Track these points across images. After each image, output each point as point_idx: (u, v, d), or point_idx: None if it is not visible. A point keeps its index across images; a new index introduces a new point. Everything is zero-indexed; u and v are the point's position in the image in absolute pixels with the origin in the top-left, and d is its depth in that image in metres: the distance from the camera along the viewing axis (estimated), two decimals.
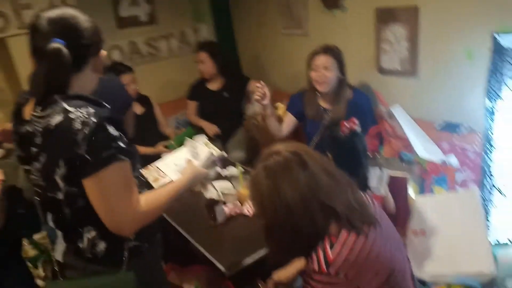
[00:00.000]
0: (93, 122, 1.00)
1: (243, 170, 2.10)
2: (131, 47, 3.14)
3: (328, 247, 1.02)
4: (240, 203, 1.95)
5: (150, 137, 2.67)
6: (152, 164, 1.65)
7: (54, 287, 1.25)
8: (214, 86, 2.93)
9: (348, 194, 1.08)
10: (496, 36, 1.43)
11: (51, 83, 1.04)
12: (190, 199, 2.07)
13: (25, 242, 2.22)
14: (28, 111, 1.10)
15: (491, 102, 1.51)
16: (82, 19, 1.08)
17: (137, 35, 3.16)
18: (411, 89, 2.26)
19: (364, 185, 1.60)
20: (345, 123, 1.56)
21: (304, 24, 2.77)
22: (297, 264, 1.41)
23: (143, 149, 2.52)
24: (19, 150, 1.14)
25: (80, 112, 1.01)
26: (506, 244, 1.71)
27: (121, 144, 1.05)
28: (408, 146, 1.97)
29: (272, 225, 1.09)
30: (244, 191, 1.95)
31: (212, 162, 1.52)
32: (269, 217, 1.09)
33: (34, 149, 1.07)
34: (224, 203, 1.93)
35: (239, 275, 1.53)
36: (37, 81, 1.06)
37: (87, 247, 1.13)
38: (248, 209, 1.90)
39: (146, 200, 1.12)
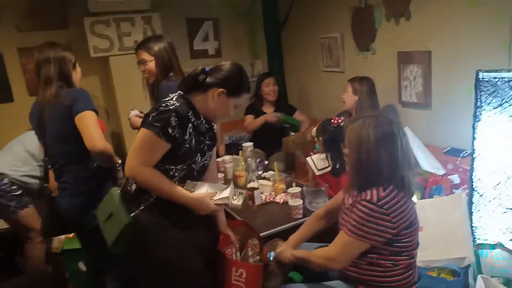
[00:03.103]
0: (171, 107, 1.51)
1: (279, 173, 2.61)
2: None
3: (381, 189, 1.48)
4: (275, 193, 2.45)
5: None
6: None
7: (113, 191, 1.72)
8: (267, 109, 3.52)
9: (405, 169, 1.52)
10: (479, 73, 1.89)
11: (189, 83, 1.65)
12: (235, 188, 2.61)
13: None
14: None
15: (475, 123, 1.94)
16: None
17: (205, 65, 3.81)
18: (425, 119, 2.70)
19: (341, 169, 2.14)
20: (335, 118, 2.21)
21: (341, 63, 3.34)
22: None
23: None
24: None
25: (174, 101, 1.55)
26: (491, 245, 2.06)
27: (169, 130, 1.48)
28: (414, 161, 2.40)
29: (358, 159, 1.51)
30: (279, 185, 2.46)
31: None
32: (358, 153, 1.50)
33: None
34: (262, 192, 2.44)
35: (265, 238, 2.01)
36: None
37: (126, 182, 1.62)
38: (280, 198, 2.39)
39: (151, 170, 1.51)
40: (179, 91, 1.63)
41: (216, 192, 1.62)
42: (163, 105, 1.54)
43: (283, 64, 4.19)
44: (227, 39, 4.00)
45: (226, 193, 1.62)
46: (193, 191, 1.61)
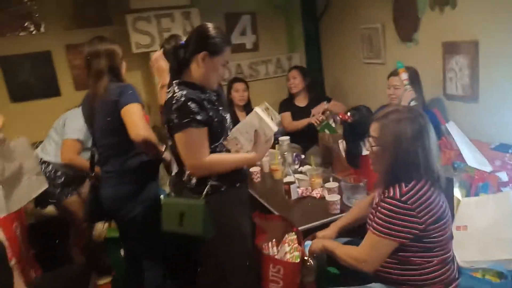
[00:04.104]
0: (182, 100, 1.56)
1: (315, 168, 2.59)
2: (237, 68, 3.88)
3: (403, 184, 1.46)
4: (311, 188, 2.43)
5: None
6: (230, 133, 1.79)
7: (166, 201, 1.84)
8: (301, 102, 3.50)
9: (435, 161, 1.51)
10: None
11: (173, 73, 1.67)
12: (272, 182, 2.62)
13: None
14: None
15: None
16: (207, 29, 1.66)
17: (243, 58, 3.91)
18: (472, 112, 2.58)
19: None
20: (341, 115, 2.34)
21: (382, 55, 3.24)
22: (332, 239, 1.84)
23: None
24: None
25: (179, 93, 1.59)
26: None
27: (197, 117, 1.56)
28: (460, 156, 2.30)
29: (396, 156, 1.49)
30: (315, 180, 2.44)
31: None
32: (396, 150, 1.48)
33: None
34: (298, 186, 2.43)
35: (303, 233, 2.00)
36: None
37: (186, 180, 1.71)
38: (317, 192, 2.37)
39: (211, 158, 1.62)
40: (173, 81, 1.66)
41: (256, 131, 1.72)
42: (173, 102, 1.57)
43: (321, 56, 4.12)
44: (265, 32, 3.99)
45: (264, 123, 1.71)
46: (240, 147, 1.72)
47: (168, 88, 1.70)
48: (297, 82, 3.45)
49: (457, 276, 1.64)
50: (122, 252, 2.73)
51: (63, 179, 2.61)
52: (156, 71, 2.20)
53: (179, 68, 1.68)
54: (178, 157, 1.70)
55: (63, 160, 2.45)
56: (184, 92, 1.58)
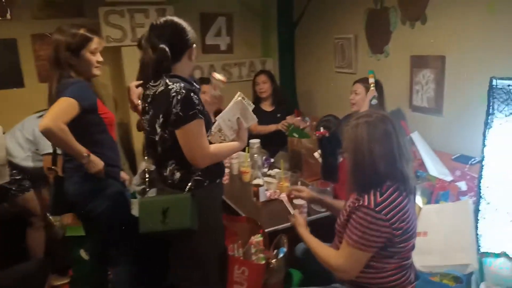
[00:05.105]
0: (184, 92, 1.55)
1: (284, 171, 2.60)
2: (210, 69, 3.86)
3: (378, 192, 1.46)
4: (279, 191, 2.44)
5: None
6: (214, 125, 1.81)
7: (144, 200, 1.79)
8: (267, 107, 3.51)
9: (404, 165, 1.50)
10: (493, 80, 1.87)
11: (160, 67, 1.61)
12: (240, 184, 2.62)
13: None
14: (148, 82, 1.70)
15: (486, 130, 1.92)
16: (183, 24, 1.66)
17: (216, 60, 3.89)
18: (436, 124, 2.68)
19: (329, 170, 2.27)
20: (317, 132, 2.42)
21: (354, 65, 3.32)
22: None
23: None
24: (142, 104, 1.75)
25: (176, 85, 1.57)
26: (495, 254, 2.03)
27: (199, 108, 1.58)
28: (422, 165, 2.38)
29: (355, 161, 1.51)
30: (283, 184, 2.45)
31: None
32: (355, 154, 1.50)
33: (147, 106, 1.68)
34: (267, 189, 2.44)
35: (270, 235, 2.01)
36: (151, 66, 1.63)
37: (168, 174, 1.68)
38: (284, 196, 2.39)
39: (213, 147, 1.66)
40: (164, 75, 1.62)
41: (239, 118, 1.78)
42: (173, 94, 1.55)
43: (295, 63, 4.18)
44: (240, 35, 4.00)
45: (247, 111, 1.78)
46: (223, 139, 1.79)
47: (149, 83, 1.66)
48: (266, 86, 3.47)
49: (413, 280, 1.68)
50: (82, 252, 2.64)
51: (21, 176, 2.54)
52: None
53: (170, 64, 1.63)
54: (157, 152, 1.68)
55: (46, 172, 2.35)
56: (182, 85, 1.57)
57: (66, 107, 1.72)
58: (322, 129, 2.42)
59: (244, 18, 3.99)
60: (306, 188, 2.08)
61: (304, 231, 1.75)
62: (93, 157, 1.81)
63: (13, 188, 2.52)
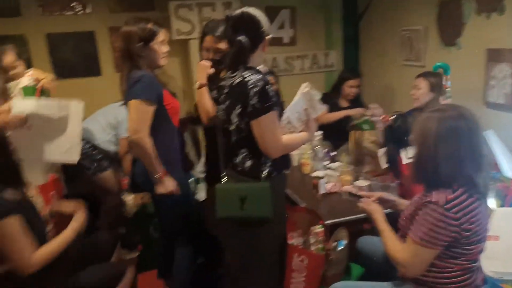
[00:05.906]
0: (260, 84, 1.59)
1: (346, 165, 2.58)
2: (272, 62, 3.89)
3: (449, 191, 1.40)
4: (341, 185, 2.42)
5: None
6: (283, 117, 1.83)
7: (221, 187, 1.80)
8: (344, 103, 3.45)
9: (475, 171, 1.41)
10: None
11: (237, 59, 1.67)
12: (300, 176, 2.63)
13: None
14: (224, 73, 1.77)
15: None
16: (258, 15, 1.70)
17: (279, 52, 3.91)
18: None
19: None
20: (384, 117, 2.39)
21: (422, 58, 3.18)
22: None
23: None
24: (217, 95, 1.82)
25: (253, 77, 1.61)
26: None
27: (274, 99, 1.62)
28: (496, 165, 2.24)
29: (419, 154, 1.46)
30: (345, 177, 2.43)
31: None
32: (420, 148, 1.45)
33: (223, 96, 1.74)
34: (327, 182, 2.43)
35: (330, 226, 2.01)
36: (230, 58, 1.70)
37: (239, 162, 1.73)
38: (350, 187, 2.36)
39: (285, 138, 1.68)
40: (239, 66, 1.66)
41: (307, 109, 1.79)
42: (250, 86, 1.58)
43: (359, 56, 4.08)
44: (303, 28, 3.98)
45: (314, 102, 1.80)
46: (292, 130, 1.79)
47: (227, 73, 1.72)
48: (355, 91, 3.40)
49: (480, 284, 1.59)
50: (151, 230, 2.80)
51: (100, 156, 2.76)
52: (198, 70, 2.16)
53: (247, 55, 1.67)
54: (230, 141, 1.73)
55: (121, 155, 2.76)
56: (259, 77, 1.60)
57: (143, 114, 1.84)
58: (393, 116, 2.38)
59: (307, 11, 3.96)
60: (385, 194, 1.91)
61: (381, 218, 1.67)
62: (166, 179, 1.93)
63: (93, 167, 2.76)
